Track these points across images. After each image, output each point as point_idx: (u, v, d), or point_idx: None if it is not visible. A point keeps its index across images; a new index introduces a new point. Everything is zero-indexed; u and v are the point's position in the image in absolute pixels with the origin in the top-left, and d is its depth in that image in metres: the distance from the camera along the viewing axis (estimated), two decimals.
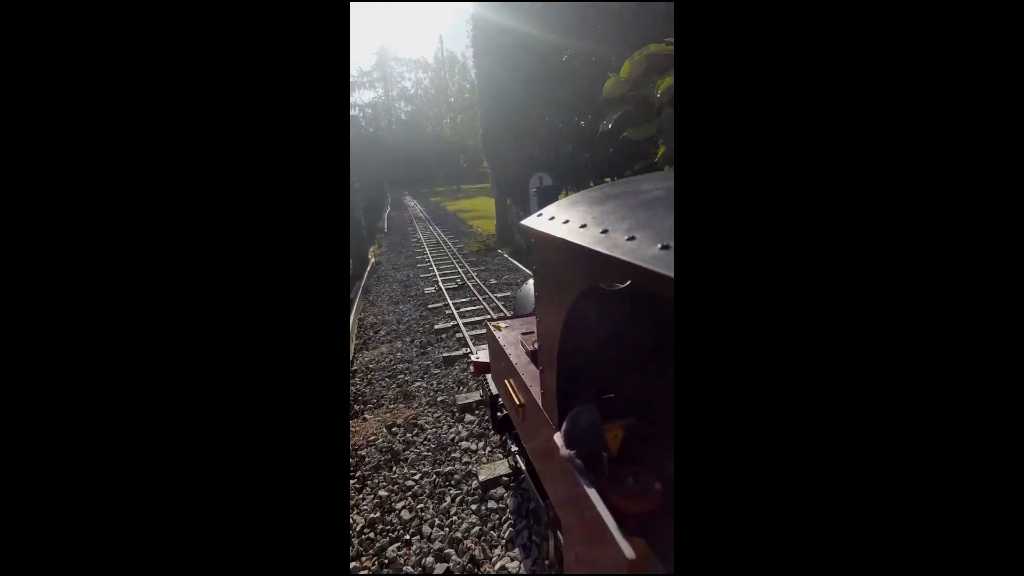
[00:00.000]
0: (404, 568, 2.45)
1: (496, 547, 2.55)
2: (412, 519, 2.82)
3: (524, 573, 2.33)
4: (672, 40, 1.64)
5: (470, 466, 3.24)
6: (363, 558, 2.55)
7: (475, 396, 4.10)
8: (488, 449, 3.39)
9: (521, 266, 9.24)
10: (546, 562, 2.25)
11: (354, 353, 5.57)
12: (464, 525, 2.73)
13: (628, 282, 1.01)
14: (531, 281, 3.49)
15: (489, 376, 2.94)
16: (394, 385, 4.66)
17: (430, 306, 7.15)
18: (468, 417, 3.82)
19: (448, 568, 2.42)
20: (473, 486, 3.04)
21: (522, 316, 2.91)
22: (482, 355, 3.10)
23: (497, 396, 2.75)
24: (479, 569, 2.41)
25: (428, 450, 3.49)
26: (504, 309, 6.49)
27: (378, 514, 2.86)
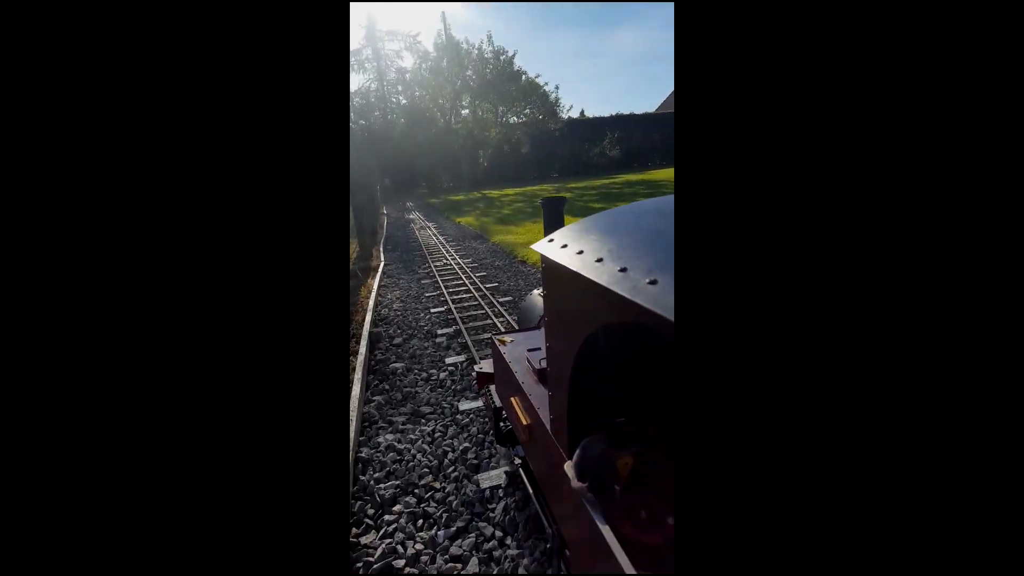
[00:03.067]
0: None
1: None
2: None
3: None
4: None
5: None
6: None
7: None
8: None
9: None
10: None
11: None
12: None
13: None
14: (535, 293, 3.41)
15: (493, 388, 2.87)
16: None
17: None
18: None
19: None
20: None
21: (527, 330, 2.82)
22: (486, 365, 3.03)
23: (501, 409, 2.69)
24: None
25: None
26: None
27: None
